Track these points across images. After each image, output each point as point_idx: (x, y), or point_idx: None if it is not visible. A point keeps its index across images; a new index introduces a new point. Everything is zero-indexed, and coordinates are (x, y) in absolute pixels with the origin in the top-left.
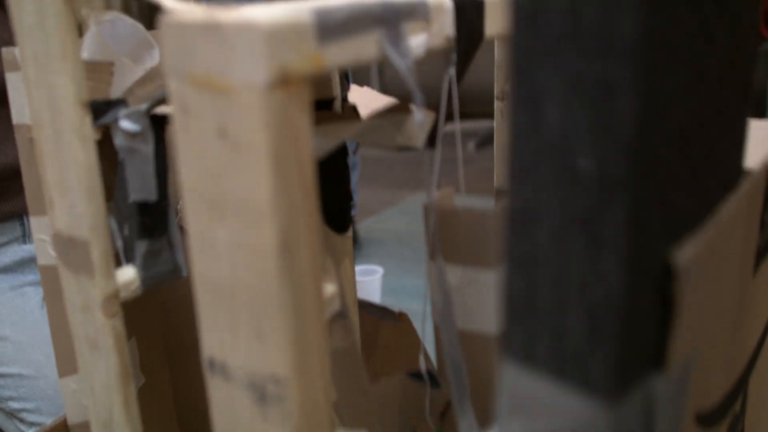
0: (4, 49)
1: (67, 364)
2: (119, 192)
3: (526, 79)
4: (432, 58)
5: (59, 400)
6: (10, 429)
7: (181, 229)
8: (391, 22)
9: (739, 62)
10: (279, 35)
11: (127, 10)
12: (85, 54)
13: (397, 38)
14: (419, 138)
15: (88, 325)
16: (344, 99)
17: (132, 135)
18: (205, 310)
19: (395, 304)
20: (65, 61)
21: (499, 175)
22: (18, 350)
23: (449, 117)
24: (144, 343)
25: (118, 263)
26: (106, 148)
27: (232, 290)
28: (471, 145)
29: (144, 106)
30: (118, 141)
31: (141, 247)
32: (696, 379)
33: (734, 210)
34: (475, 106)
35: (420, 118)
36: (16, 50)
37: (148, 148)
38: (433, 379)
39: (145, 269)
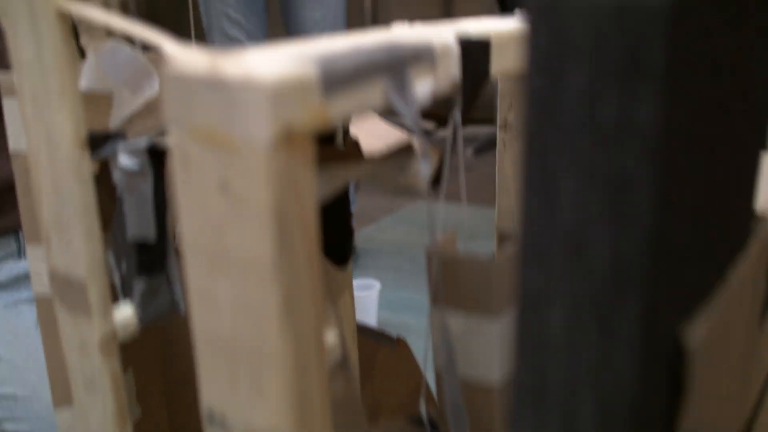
0: (1, 75)
1: (61, 393)
2: (117, 227)
3: (539, 163)
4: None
5: (55, 421)
6: None
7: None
8: (396, 68)
9: (753, 120)
10: (283, 92)
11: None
12: (84, 84)
13: (402, 85)
14: (423, 182)
15: (85, 364)
16: (345, 132)
17: (131, 172)
18: (205, 362)
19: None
20: (63, 98)
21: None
22: (13, 370)
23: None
24: (141, 374)
25: (115, 296)
26: (104, 176)
27: (232, 344)
28: (469, 151)
29: (143, 143)
30: (117, 177)
31: (139, 284)
32: None
33: (744, 275)
34: (474, 112)
35: (425, 164)
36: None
37: (146, 186)
38: (434, 424)
39: (143, 308)
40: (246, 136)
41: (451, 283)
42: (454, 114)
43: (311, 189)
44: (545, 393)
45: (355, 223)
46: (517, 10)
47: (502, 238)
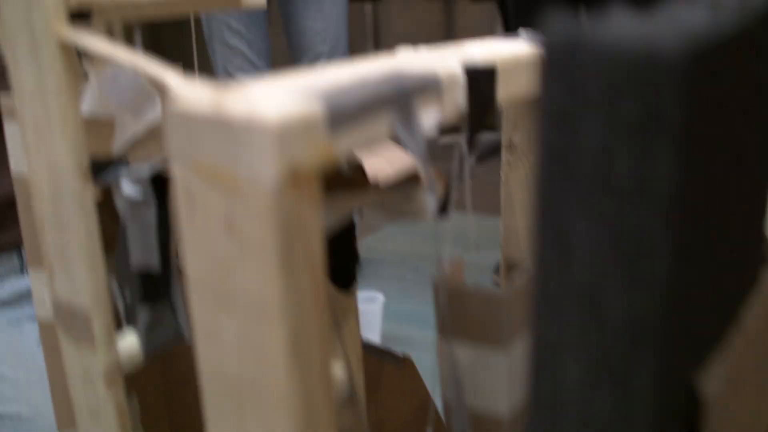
0: (3, 99)
1: (65, 416)
2: (120, 255)
3: (553, 217)
4: None
5: None
6: None
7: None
8: (402, 101)
9: (763, 152)
10: (289, 131)
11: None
12: (85, 108)
13: (408, 117)
14: (428, 212)
15: (89, 394)
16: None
17: (134, 202)
18: (211, 400)
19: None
20: (65, 128)
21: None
22: (17, 390)
23: (454, 129)
24: (145, 398)
25: (119, 321)
26: (107, 199)
27: (239, 383)
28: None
29: (146, 171)
30: (120, 205)
31: (143, 313)
32: None
33: (757, 315)
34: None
35: (431, 196)
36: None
37: (150, 215)
38: None
39: (147, 338)
40: (251, 175)
41: (458, 314)
42: (460, 144)
43: (317, 227)
44: None
45: (356, 233)
46: (519, 21)
47: (508, 266)
